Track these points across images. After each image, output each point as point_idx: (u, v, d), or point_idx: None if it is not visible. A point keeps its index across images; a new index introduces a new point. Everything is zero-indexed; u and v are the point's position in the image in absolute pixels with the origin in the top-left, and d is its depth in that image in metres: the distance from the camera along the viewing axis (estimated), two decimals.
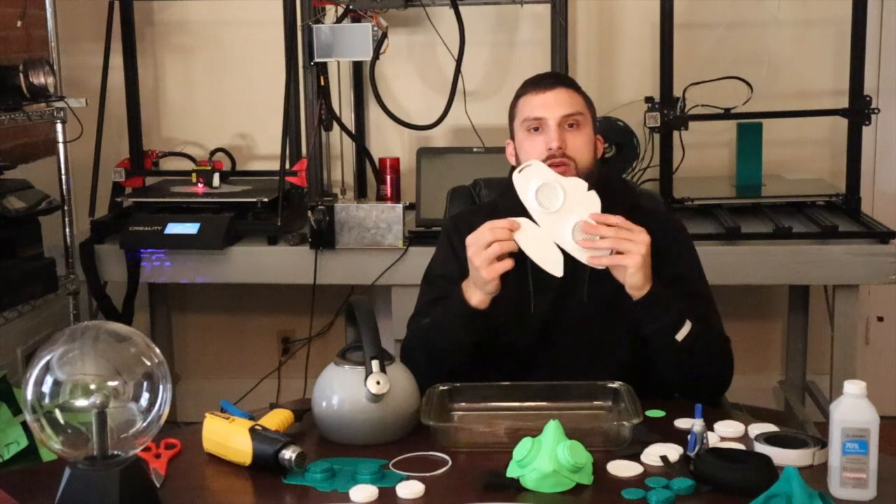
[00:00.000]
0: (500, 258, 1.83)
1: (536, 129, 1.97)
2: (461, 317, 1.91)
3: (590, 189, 1.87)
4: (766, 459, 1.54)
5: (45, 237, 3.13)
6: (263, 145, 3.77)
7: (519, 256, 1.86)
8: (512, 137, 2.06)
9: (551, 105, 1.96)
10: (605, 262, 1.84)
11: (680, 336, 1.87)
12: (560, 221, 1.85)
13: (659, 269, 1.97)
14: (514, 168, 2.07)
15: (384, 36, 3.10)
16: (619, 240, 1.82)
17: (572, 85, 2.03)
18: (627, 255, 1.82)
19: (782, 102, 3.48)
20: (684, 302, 1.92)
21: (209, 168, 3.45)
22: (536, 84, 2.01)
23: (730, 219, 3.20)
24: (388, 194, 3.32)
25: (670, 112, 3.18)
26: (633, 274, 1.83)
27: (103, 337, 1.49)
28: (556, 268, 1.85)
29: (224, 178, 3.50)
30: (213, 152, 3.64)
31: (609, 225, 1.83)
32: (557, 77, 2.12)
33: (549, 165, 1.91)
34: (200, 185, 3.43)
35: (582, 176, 1.92)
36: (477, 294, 1.88)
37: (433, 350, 1.95)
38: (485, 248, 1.83)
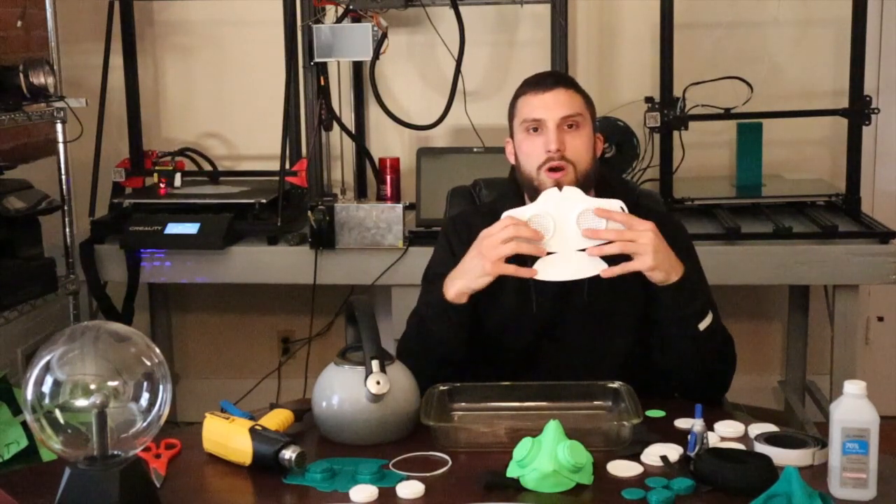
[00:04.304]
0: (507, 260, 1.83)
1: (535, 129, 1.97)
2: (439, 309, 1.91)
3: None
4: (766, 459, 1.54)
5: (45, 237, 3.12)
6: (263, 145, 3.77)
7: (521, 255, 1.86)
8: (511, 136, 2.06)
9: (550, 106, 1.95)
10: (617, 272, 1.82)
11: (703, 326, 1.88)
12: (566, 235, 1.84)
13: None
14: (513, 169, 2.08)
15: (384, 36, 3.10)
16: (625, 242, 1.80)
17: (572, 84, 2.02)
18: (636, 259, 1.81)
19: (782, 102, 3.48)
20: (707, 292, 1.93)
21: (171, 168, 3.46)
22: (535, 84, 2.00)
23: (730, 219, 3.20)
24: (388, 194, 3.32)
25: (670, 112, 3.18)
26: (651, 274, 1.82)
27: (103, 337, 1.49)
28: (594, 268, 1.83)
29: (217, 177, 3.53)
30: (176, 153, 3.59)
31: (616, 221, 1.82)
32: (557, 77, 2.11)
33: (548, 169, 1.92)
34: (162, 186, 3.43)
35: (581, 176, 1.92)
36: (456, 285, 1.88)
37: (422, 344, 1.96)
38: (503, 242, 1.82)
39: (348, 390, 1.70)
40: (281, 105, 3.32)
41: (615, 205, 1.84)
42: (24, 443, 2.65)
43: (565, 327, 2.01)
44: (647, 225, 1.82)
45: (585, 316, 1.99)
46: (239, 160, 3.82)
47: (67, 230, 3.29)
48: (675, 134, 3.26)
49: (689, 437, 1.60)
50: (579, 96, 1.99)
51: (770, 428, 1.69)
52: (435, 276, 2.08)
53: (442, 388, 1.81)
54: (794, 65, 3.65)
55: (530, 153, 1.96)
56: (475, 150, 3.29)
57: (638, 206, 2.10)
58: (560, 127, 1.94)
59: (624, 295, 1.96)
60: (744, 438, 1.69)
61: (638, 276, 1.86)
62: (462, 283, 1.88)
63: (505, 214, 1.87)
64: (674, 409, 1.80)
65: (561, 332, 2.01)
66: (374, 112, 3.68)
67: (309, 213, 3.15)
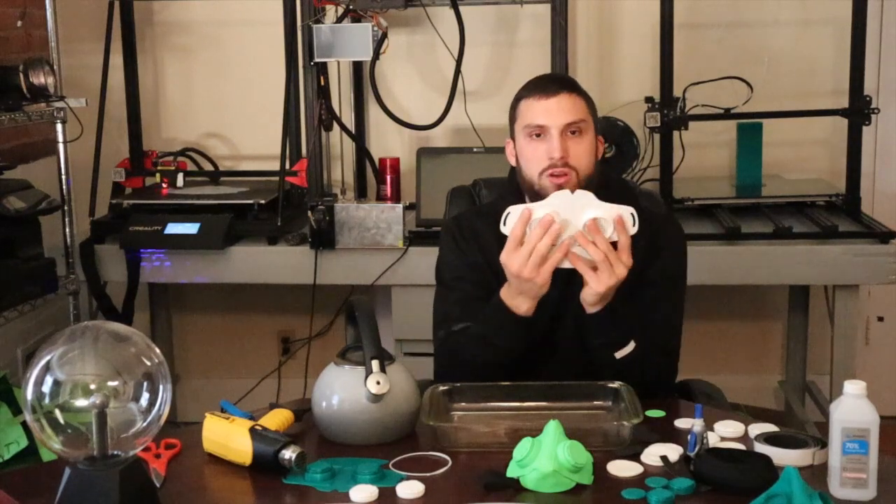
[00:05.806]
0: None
1: (538, 135, 1.96)
2: (514, 327, 1.91)
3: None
4: (766, 459, 1.54)
5: (45, 237, 3.13)
6: (263, 145, 3.77)
7: None
8: (512, 137, 2.05)
9: (554, 112, 1.94)
10: (577, 265, 1.84)
11: (619, 354, 1.90)
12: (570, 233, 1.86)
13: (646, 268, 1.97)
14: (513, 169, 2.07)
15: (384, 36, 3.10)
16: (605, 260, 1.82)
17: (574, 88, 1.99)
18: (598, 274, 1.83)
19: (782, 102, 3.47)
20: (637, 319, 1.94)
21: (173, 168, 3.47)
22: (539, 89, 1.98)
23: (730, 219, 3.20)
24: (388, 194, 3.33)
25: (670, 112, 3.18)
26: (591, 294, 1.86)
27: (103, 337, 1.49)
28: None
29: (217, 177, 3.53)
30: (178, 153, 3.61)
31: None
32: (560, 81, 2.06)
33: (550, 175, 1.93)
34: (165, 186, 3.44)
35: (583, 181, 1.94)
36: (526, 302, 1.89)
37: (483, 364, 1.95)
38: (528, 256, 1.83)
39: (348, 390, 1.70)
40: (281, 105, 3.32)
41: (626, 211, 1.84)
42: (24, 443, 2.65)
43: (565, 336, 2.00)
44: (629, 263, 1.84)
45: (585, 325, 1.99)
46: (239, 160, 3.82)
47: (67, 230, 3.29)
48: (675, 134, 3.26)
49: (689, 437, 1.60)
50: (582, 101, 1.98)
51: (770, 428, 1.69)
52: (452, 279, 2.07)
53: (442, 388, 1.82)
54: (794, 65, 3.64)
55: (532, 158, 1.96)
56: (475, 150, 3.29)
57: (638, 206, 2.11)
58: (563, 133, 1.93)
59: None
60: (744, 438, 1.69)
61: (635, 287, 1.89)
62: (530, 299, 1.89)
63: (508, 209, 1.87)
64: (674, 409, 1.80)
65: (559, 342, 2.01)
66: (374, 112, 3.68)
67: (309, 213, 3.15)
